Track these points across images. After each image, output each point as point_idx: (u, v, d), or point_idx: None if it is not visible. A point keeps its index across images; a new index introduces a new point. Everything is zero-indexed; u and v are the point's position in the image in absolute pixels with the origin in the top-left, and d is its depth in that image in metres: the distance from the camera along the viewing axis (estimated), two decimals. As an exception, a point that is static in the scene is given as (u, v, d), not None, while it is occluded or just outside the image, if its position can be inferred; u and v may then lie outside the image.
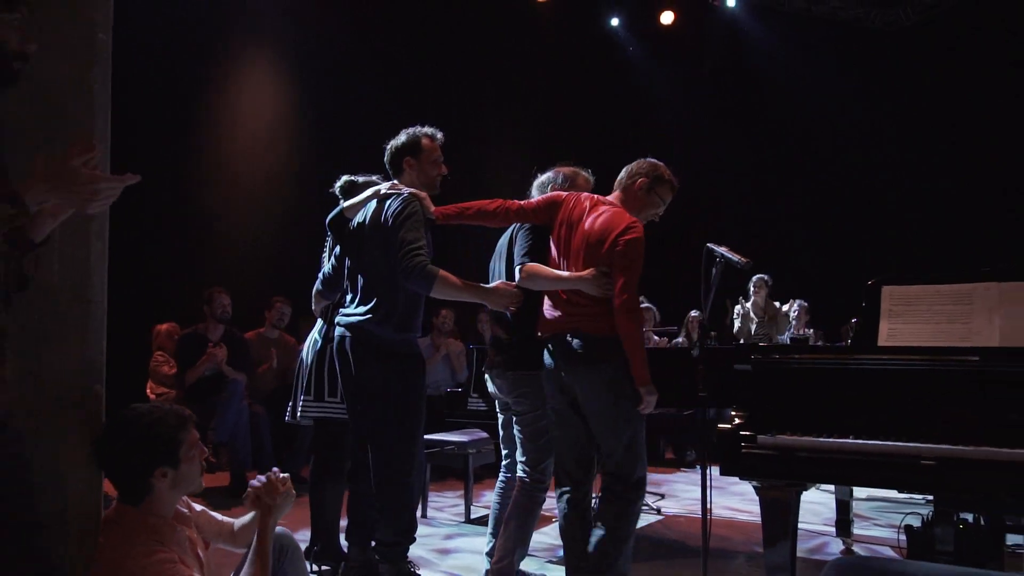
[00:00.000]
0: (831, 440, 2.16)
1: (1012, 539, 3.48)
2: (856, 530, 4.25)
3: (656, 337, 7.27)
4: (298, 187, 7.88)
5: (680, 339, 7.53)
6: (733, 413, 2.40)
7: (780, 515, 2.37)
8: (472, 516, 4.74)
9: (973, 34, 9.69)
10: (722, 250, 2.62)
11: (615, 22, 9.80)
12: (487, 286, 3.03)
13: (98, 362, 2.00)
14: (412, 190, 3.10)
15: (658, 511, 4.96)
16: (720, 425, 2.34)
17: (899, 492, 4.28)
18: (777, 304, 7.47)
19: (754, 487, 2.42)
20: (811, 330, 7.50)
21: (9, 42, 1.65)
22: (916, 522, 3.19)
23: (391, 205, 3.06)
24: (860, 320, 2.41)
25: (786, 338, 7.54)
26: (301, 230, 7.63)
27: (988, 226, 9.08)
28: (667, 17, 9.75)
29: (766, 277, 7.52)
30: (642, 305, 7.15)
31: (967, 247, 9.20)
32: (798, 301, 7.73)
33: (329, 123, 7.97)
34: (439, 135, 3.30)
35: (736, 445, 2.28)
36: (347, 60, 7.84)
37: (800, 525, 4.40)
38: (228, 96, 7.49)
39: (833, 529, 4.22)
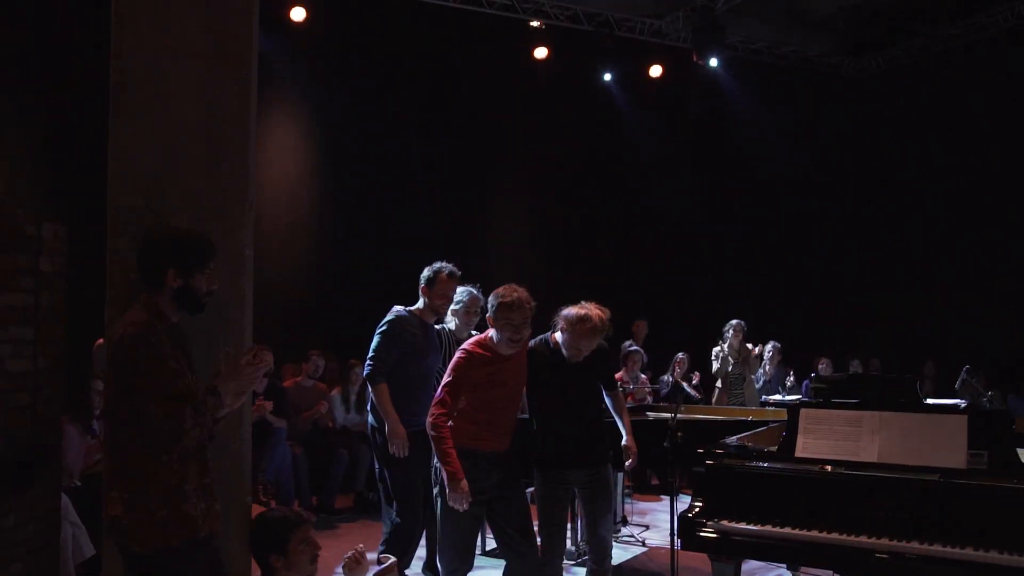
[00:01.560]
0: (756, 528, 3.05)
1: None
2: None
3: (643, 375, 8.11)
4: (321, 242, 8.73)
5: (667, 376, 8.38)
6: (693, 503, 3.28)
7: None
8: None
9: (934, 81, 10.62)
10: (685, 385, 3.47)
11: (607, 77, 10.63)
12: (395, 422, 3.99)
13: (246, 481, 2.88)
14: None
15: (643, 543, 5.85)
16: (682, 512, 3.24)
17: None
18: (750, 346, 8.31)
19: (707, 555, 3.31)
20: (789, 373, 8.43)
21: (201, 288, 2.53)
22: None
23: None
24: (786, 434, 3.28)
25: (759, 376, 8.43)
26: (325, 284, 8.50)
27: (959, 262, 9.98)
28: (655, 70, 10.62)
29: (742, 323, 8.36)
30: (630, 348, 8.03)
31: (932, 287, 10.13)
32: (772, 342, 8.62)
33: (347, 178, 8.82)
34: (458, 273, 4.29)
35: (692, 528, 3.17)
36: (363, 118, 8.67)
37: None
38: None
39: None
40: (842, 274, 10.84)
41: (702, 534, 3.13)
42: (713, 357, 8.30)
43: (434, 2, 9.33)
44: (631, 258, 10.35)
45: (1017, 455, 2.92)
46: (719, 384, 8.28)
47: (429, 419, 3.57)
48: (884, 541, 2.88)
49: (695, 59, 10.18)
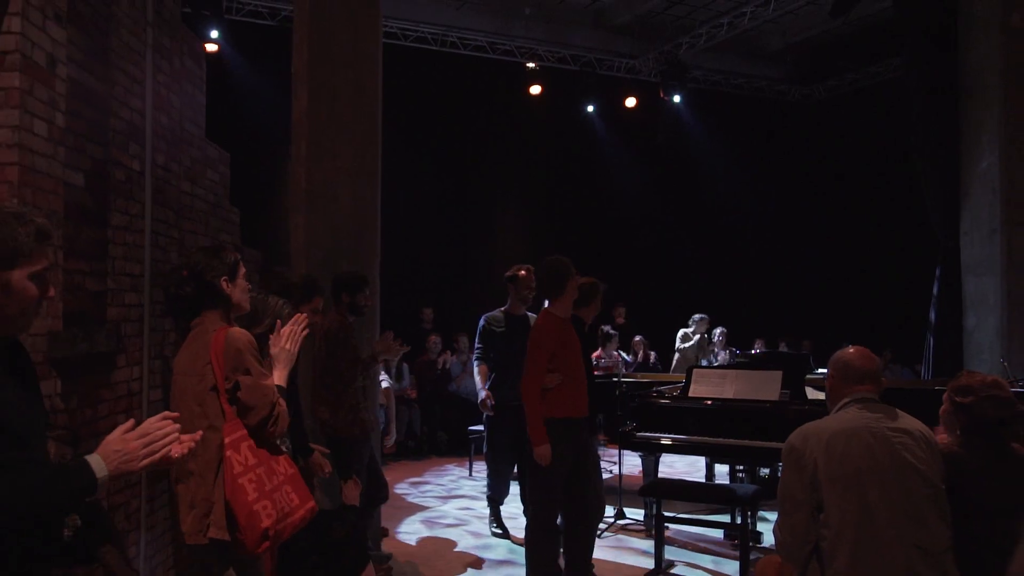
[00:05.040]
0: (666, 435, 5.33)
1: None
2: (718, 480, 7.46)
3: (615, 353, 10.35)
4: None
5: (628, 357, 10.62)
6: (630, 421, 5.57)
7: (651, 468, 5.57)
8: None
9: (867, 108, 12.85)
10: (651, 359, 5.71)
11: (590, 108, 12.84)
12: (480, 391, 5.72)
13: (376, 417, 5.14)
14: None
15: (610, 472, 8.16)
16: (621, 429, 5.53)
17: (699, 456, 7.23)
18: (706, 335, 10.53)
19: (639, 455, 5.61)
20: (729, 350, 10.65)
21: (362, 303, 4.78)
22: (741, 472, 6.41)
23: None
24: (683, 383, 5.56)
25: (712, 358, 10.64)
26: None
27: (881, 262, 12.18)
28: (631, 101, 12.82)
29: (706, 317, 10.52)
30: (608, 331, 10.26)
31: (858, 282, 12.37)
32: (720, 328, 10.86)
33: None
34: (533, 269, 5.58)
35: (629, 437, 5.45)
36: (388, 153, 10.77)
37: (685, 477, 7.63)
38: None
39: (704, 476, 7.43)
40: (784, 270, 13.11)
41: (634, 441, 5.42)
42: (680, 337, 10.47)
43: (446, 50, 11.54)
44: (609, 258, 12.51)
45: (805, 393, 5.21)
46: (677, 355, 10.46)
47: None
48: (735, 440, 5.17)
49: (662, 96, 12.44)
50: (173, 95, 3.26)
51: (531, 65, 12.14)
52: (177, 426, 1.78)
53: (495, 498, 5.99)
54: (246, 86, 9.78)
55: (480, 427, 8.12)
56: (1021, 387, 6.14)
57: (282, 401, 2.61)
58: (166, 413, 1.83)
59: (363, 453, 4.72)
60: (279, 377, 2.69)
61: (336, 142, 5.02)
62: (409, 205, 10.86)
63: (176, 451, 1.78)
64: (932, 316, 8.38)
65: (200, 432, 1.93)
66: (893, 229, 12.05)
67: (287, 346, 2.75)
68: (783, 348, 11.18)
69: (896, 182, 11.99)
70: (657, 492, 4.86)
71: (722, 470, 7.47)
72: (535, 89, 12.16)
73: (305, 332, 2.83)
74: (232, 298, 2.71)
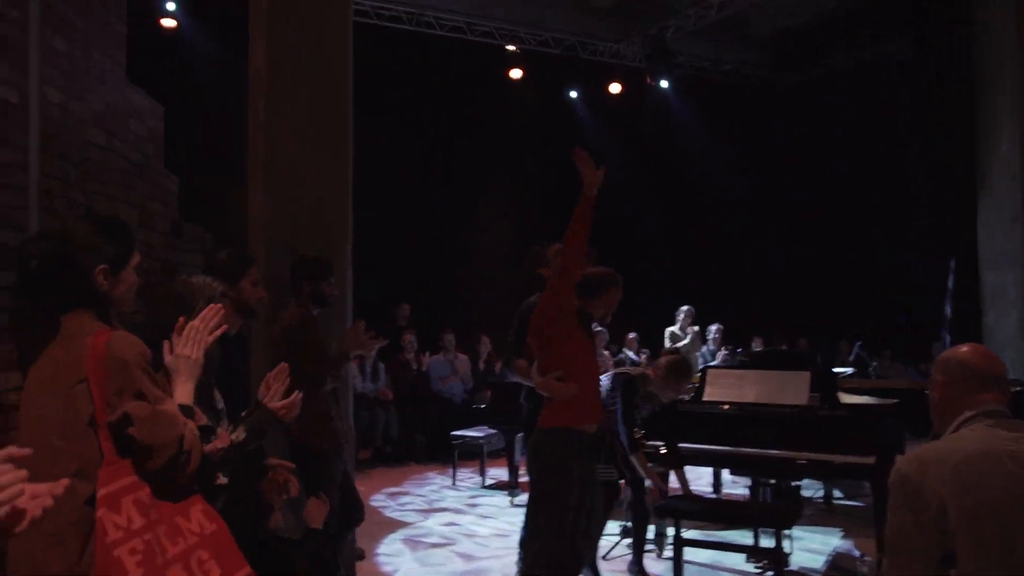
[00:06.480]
0: (680, 444, 4.69)
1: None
2: (725, 489, 6.86)
3: (606, 352, 9.73)
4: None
5: (620, 355, 10.00)
6: (639, 428, 4.91)
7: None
8: (486, 484, 7.24)
9: (842, 93, 12.33)
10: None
11: (573, 94, 12.20)
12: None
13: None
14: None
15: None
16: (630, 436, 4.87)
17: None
18: (697, 328, 9.97)
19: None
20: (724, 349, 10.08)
21: (326, 292, 4.06)
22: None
23: None
24: (697, 387, 4.92)
25: (704, 352, 10.07)
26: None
27: (878, 259, 11.66)
28: (615, 87, 12.19)
29: (692, 308, 10.00)
30: (595, 328, 9.62)
31: (856, 280, 11.82)
32: (716, 324, 10.28)
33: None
34: None
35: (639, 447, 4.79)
36: (364, 130, 10.07)
37: (694, 486, 7.00)
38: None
39: (711, 488, 6.82)
40: (778, 266, 12.54)
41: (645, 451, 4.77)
42: (668, 336, 9.94)
43: (424, 31, 10.84)
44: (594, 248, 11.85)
45: (838, 397, 4.59)
46: (670, 357, 9.89)
47: None
48: (757, 450, 4.54)
49: (648, 81, 11.82)
50: (69, 8, 2.52)
51: (511, 48, 11.46)
52: (24, 472, 1.11)
53: None
54: (205, 48, 9.10)
55: (465, 431, 7.46)
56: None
57: (192, 427, 1.92)
58: (11, 450, 1.15)
59: (335, 469, 4.02)
60: (182, 395, 2.00)
61: (301, 108, 4.32)
62: (383, 194, 10.13)
63: (25, 519, 1.10)
64: (947, 311, 7.85)
65: (65, 481, 1.24)
66: (878, 218, 11.50)
67: (187, 352, 2.05)
68: (783, 348, 10.59)
69: (888, 171, 11.48)
70: (676, 512, 4.21)
71: (728, 477, 6.89)
72: (516, 73, 11.48)
73: (221, 329, 2.13)
74: (111, 295, 2.01)
